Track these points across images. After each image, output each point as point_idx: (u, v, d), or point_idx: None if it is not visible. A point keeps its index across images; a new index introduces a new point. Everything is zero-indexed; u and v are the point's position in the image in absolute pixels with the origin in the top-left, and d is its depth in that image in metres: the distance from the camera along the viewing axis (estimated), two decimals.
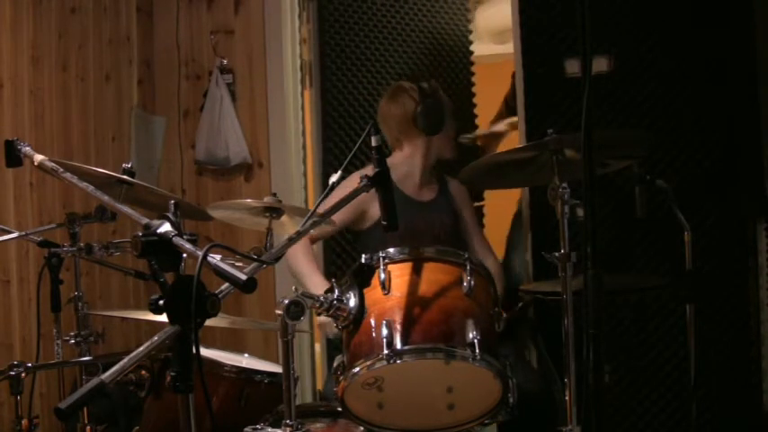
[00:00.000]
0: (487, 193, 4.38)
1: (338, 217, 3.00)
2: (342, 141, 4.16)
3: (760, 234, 3.13)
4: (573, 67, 3.17)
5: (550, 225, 2.39)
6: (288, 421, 2.02)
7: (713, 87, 3.12)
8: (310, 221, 2.12)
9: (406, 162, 3.25)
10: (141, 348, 1.50)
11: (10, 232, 2.87)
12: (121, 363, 1.46)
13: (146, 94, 4.47)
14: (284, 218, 2.67)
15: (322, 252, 3.89)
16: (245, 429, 2.15)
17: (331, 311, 2.18)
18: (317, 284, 2.95)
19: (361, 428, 2.26)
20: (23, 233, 2.88)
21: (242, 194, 4.26)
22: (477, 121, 4.28)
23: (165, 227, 1.50)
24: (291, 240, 2.04)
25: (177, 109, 4.44)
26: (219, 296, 1.53)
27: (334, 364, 2.36)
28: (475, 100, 4.35)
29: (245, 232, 3.94)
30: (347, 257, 3.86)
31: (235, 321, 3.28)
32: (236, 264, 1.60)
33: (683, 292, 2.88)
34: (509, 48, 3.64)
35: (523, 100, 3.34)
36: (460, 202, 3.40)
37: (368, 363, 2.12)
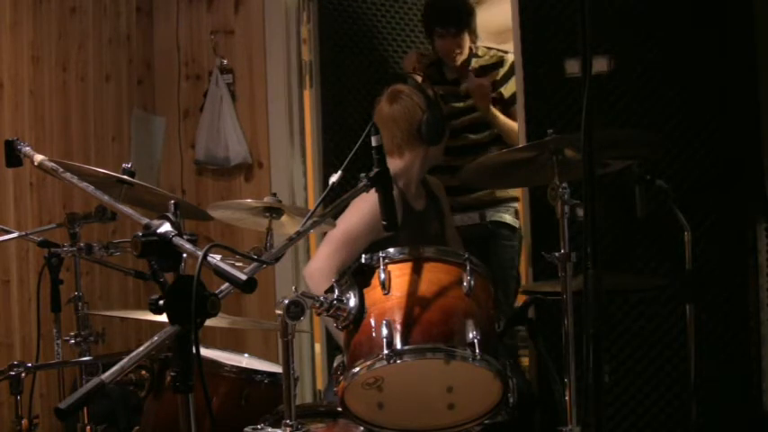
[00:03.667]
0: None
1: (362, 242, 2.97)
2: (342, 141, 4.16)
3: (760, 234, 3.13)
4: (573, 67, 3.17)
5: (550, 225, 2.38)
6: (288, 421, 2.02)
7: (713, 87, 3.12)
8: (310, 221, 2.12)
9: (405, 173, 3.16)
10: (141, 348, 1.50)
11: (10, 232, 2.87)
12: (121, 363, 1.46)
13: (146, 94, 4.47)
14: (284, 218, 2.67)
15: None
16: (245, 429, 2.14)
17: (331, 311, 2.18)
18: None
19: (361, 428, 2.26)
20: (23, 233, 2.88)
21: (242, 194, 4.26)
22: None
23: (165, 227, 1.50)
24: (291, 240, 2.04)
25: (177, 109, 4.45)
26: (219, 296, 1.53)
27: (334, 364, 2.35)
28: None
29: (245, 232, 3.94)
30: None
31: (235, 321, 3.28)
32: (236, 264, 1.60)
33: (682, 292, 2.88)
34: (509, 48, 3.65)
35: (523, 100, 3.34)
36: (443, 200, 3.37)
37: (368, 363, 2.12)
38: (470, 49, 3.91)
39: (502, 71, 3.84)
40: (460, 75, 3.90)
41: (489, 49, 3.94)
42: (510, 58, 3.72)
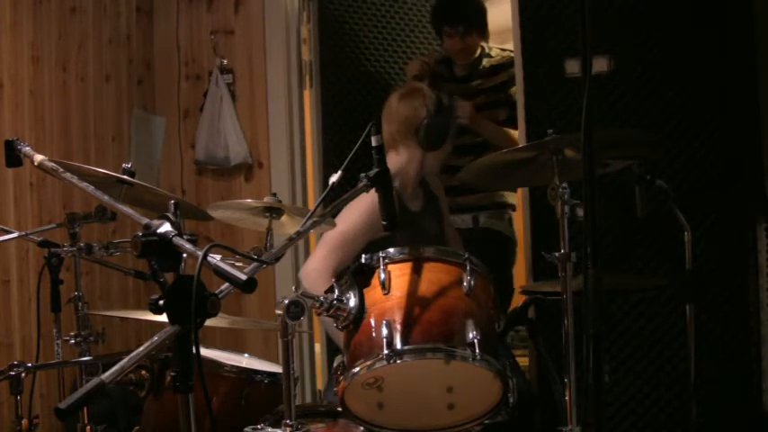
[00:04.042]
0: None
1: (359, 243, 2.96)
2: (342, 141, 4.16)
3: (760, 234, 3.13)
4: (573, 67, 3.17)
5: (550, 225, 2.38)
6: (288, 421, 2.02)
7: (713, 87, 3.12)
8: (310, 221, 2.12)
9: (401, 172, 3.13)
10: (141, 348, 1.50)
11: (10, 232, 2.87)
12: (121, 363, 1.46)
13: (146, 94, 4.47)
14: (284, 218, 2.67)
15: None
16: (245, 429, 2.14)
17: (331, 311, 2.18)
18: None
19: (361, 428, 2.26)
20: (23, 233, 2.88)
21: (242, 194, 4.27)
22: None
23: (165, 227, 1.50)
24: (292, 240, 2.03)
25: (177, 109, 4.45)
26: (219, 296, 1.53)
27: (334, 364, 2.35)
28: None
29: (245, 232, 3.94)
30: None
31: (235, 321, 3.28)
32: (236, 264, 1.60)
33: (682, 292, 2.88)
34: (509, 48, 3.65)
35: (523, 100, 3.34)
36: (442, 199, 3.35)
37: (368, 363, 2.12)
38: (482, 48, 3.89)
39: (513, 72, 3.81)
40: (470, 73, 3.89)
41: (503, 50, 3.90)
42: None
